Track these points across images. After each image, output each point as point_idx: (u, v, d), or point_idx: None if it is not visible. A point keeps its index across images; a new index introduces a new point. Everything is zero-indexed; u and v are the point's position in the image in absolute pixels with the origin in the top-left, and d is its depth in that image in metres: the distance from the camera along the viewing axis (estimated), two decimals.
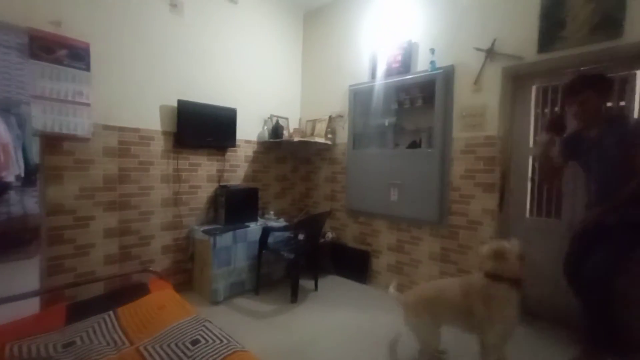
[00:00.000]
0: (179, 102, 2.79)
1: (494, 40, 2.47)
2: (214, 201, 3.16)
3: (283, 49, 3.82)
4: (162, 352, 1.20)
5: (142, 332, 1.34)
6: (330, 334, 2.31)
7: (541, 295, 2.46)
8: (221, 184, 3.19)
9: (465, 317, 1.64)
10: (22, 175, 3.98)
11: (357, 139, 3.44)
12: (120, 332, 1.34)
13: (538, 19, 2.30)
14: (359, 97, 3.35)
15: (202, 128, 2.94)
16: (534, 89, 2.52)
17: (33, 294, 1.90)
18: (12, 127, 3.89)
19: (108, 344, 1.26)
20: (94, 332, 1.35)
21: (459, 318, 1.68)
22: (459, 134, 2.70)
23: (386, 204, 3.08)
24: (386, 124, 3.19)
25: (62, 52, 2.25)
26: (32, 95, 2.17)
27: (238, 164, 3.41)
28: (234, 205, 3.05)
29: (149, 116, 2.72)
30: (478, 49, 2.54)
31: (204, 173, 3.11)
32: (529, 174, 2.56)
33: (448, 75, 2.72)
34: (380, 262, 3.25)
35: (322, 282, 3.20)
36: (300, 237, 2.87)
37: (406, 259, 3.06)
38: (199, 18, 2.99)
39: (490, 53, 2.50)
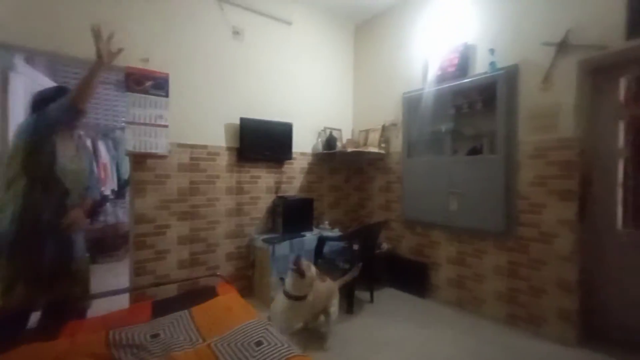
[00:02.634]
0: (241, 119, 3.05)
1: (567, 31, 2.25)
2: (272, 211, 3.34)
3: (335, 62, 3.94)
4: (230, 351, 1.31)
5: (213, 330, 1.48)
6: (387, 347, 2.25)
7: (628, 319, 2.11)
8: (278, 194, 3.37)
9: None
10: (116, 189, 4.69)
11: (412, 147, 3.36)
12: (194, 329, 1.50)
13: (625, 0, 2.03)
14: (413, 104, 3.29)
15: (261, 143, 3.15)
16: (622, 81, 2.21)
17: (126, 290, 2.21)
18: (110, 149, 4.63)
19: (185, 338, 1.41)
20: (174, 327, 1.53)
21: None
22: (527, 138, 2.49)
23: (445, 214, 2.94)
24: (443, 130, 3.06)
25: (149, 84, 2.62)
26: (126, 122, 2.56)
27: (294, 176, 3.57)
28: (291, 215, 3.18)
29: (215, 134, 3.01)
30: (547, 44, 2.33)
31: (263, 185, 3.31)
32: (620, 180, 2.23)
33: (511, 76, 2.54)
34: (440, 276, 3.08)
35: (378, 294, 3.14)
36: (355, 247, 2.87)
37: (468, 272, 2.86)
38: (258, 41, 3.25)
39: (563, 46, 2.27)
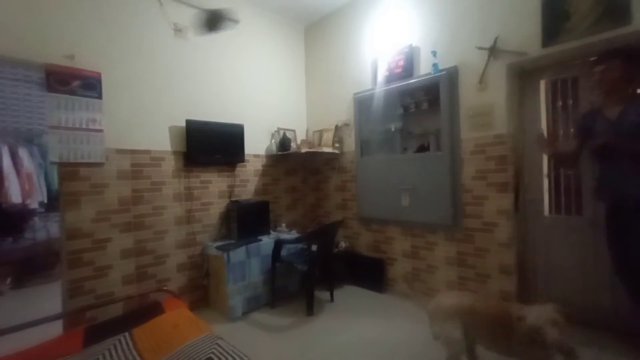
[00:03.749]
0: (187, 121, 2.87)
1: (496, 37, 2.44)
2: (226, 217, 3.20)
3: (286, 63, 3.89)
4: None
5: (157, 352, 1.36)
6: (349, 345, 2.26)
7: (563, 296, 2.35)
8: (232, 199, 3.24)
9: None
10: (45, 201, 4.18)
11: (364, 146, 3.43)
12: (135, 353, 1.36)
13: (540, 13, 2.26)
14: (364, 105, 3.36)
15: (210, 146, 3.00)
16: (542, 83, 2.47)
17: (55, 317, 1.95)
18: (35, 157, 4.12)
19: None
20: (110, 354, 1.38)
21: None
22: (468, 135, 2.65)
23: (398, 210, 3.04)
24: (393, 129, 3.17)
25: (76, 83, 2.36)
26: (50, 126, 2.27)
27: (248, 179, 3.45)
28: (246, 220, 3.07)
29: (159, 137, 2.80)
30: (480, 48, 2.51)
31: (215, 189, 3.16)
32: (545, 171, 2.49)
33: (452, 77, 2.69)
34: (396, 270, 3.19)
35: (338, 292, 3.16)
36: (313, 248, 2.86)
37: (422, 265, 2.99)
38: (202, 39, 3.08)
39: (493, 51, 2.46)
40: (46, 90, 2.28)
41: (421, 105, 2.97)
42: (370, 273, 3.30)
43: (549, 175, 2.48)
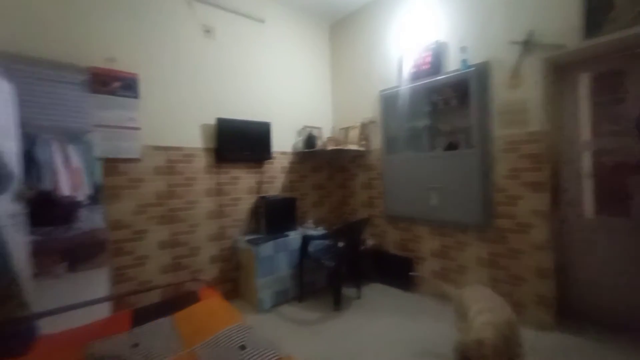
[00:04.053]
0: (218, 120, 2.98)
1: (531, 31, 2.34)
2: (254, 212, 3.29)
3: (312, 60, 3.93)
4: (213, 356, 1.28)
5: (195, 336, 1.44)
6: (376, 342, 2.27)
7: (605, 302, 2.23)
8: (260, 195, 3.33)
9: None
10: (91, 194, 4.49)
11: (391, 144, 3.40)
12: (176, 337, 1.45)
13: (580, 3, 2.14)
14: (390, 102, 3.33)
15: (239, 143, 3.10)
16: (582, 77, 2.34)
17: (105, 299, 2.12)
18: (81, 153, 4.41)
19: (166, 347, 1.37)
20: (155, 335, 1.48)
21: None
22: (500, 132, 2.57)
23: (426, 209, 3.00)
24: (420, 126, 3.13)
25: (116, 84, 2.52)
26: (94, 125, 2.45)
27: (275, 175, 3.53)
28: (274, 215, 3.15)
29: (191, 135, 2.93)
30: (513, 42, 2.42)
31: (244, 185, 3.26)
32: (587, 170, 2.35)
33: (482, 73, 2.61)
34: (425, 269, 3.14)
35: (365, 289, 3.17)
36: (340, 244, 2.88)
37: (452, 265, 2.93)
38: (230, 39, 3.19)
39: (528, 45, 2.36)
40: (90, 91, 2.46)
41: (450, 102, 2.91)
42: (397, 271, 3.28)
43: (593, 175, 2.34)
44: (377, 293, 3.17)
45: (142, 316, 1.68)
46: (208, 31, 3.04)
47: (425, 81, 2.99)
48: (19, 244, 2.67)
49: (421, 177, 3.03)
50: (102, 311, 2.25)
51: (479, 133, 2.63)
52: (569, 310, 2.38)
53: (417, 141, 3.21)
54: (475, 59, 2.65)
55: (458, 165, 2.77)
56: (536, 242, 2.39)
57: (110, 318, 1.83)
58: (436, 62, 2.93)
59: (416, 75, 3.09)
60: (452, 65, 2.84)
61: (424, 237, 3.14)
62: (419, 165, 3.06)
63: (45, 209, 3.74)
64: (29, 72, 4.63)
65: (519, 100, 2.45)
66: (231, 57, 3.20)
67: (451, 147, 2.92)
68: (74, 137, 4.32)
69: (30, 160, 3.64)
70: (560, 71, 2.39)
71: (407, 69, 3.16)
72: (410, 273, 3.17)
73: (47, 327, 1.64)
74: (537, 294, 2.40)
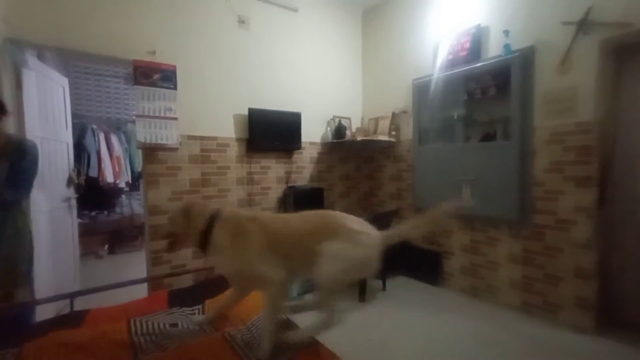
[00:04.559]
0: (250, 110, 3.04)
1: (589, 8, 2.13)
2: (283, 201, 3.35)
3: (343, 49, 3.87)
4: (243, 341, 1.33)
5: (225, 322, 1.51)
6: (400, 335, 2.27)
7: None
8: (289, 184, 3.37)
9: None
10: (130, 181, 4.79)
11: (423, 135, 3.30)
12: (208, 319, 1.53)
13: None
14: (424, 91, 3.21)
15: (270, 133, 3.14)
16: None
17: (143, 280, 2.28)
18: (122, 142, 4.70)
19: (200, 329, 1.45)
20: (189, 316, 1.57)
21: None
22: (542, 123, 2.41)
23: (457, 202, 2.89)
24: (455, 116, 3.00)
25: (157, 76, 2.63)
26: (137, 115, 2.58)
27: (304, 165, 3.56)
28: (301, 205, 3.18)
29: (224, 125, 3.01)
30: (566, 23, 2.22)
31: (273, 175, 3.32)
32: None
33: (526, 58, 2.44)
34: (453, 264, 3.06)
35: (390, 282, 3.15)
36: None
37: (482, 260, 2.83)
38: (264, 30, 3.20)
39: (583, 25, 2.15)
40: (133, 83, 2.59)
41: (487, 91, 2.76)
42: (425, 265, 3.22)
43: None
44: (403, 286, 3.14)
45: (178, 298, 1.78)
46: (243, 22, 3.08)
47: (462, 69, 2.84)
48: (70, 226, 2.93)
49: (453, 169, 2.92)
50: (141, 291, 2.42)
51: (518, 123, 2.48)
52: (612, 314, 2.22)
53: (450, 132, 3.08)
54: (519, 43, 2.48)
55: (494, 158, 2.64)
56: (577, 240, 2.24)
57: (148, 297, 1.96)
58: (475, 48, 2.78)
59: (452, 63, 2.95)
60: (493, 51, 2.68)
61: (454, 231, 3.05)
62: (452, 156, 2.95)
63: (91, 195, 4.07)
64: (80, 66, 4.98)
65: (568, 88, 2.27)
66: (264, 47, 3.23)
67: (487, 138, 2.78)
68: (117, 127, 4.62)
69: (80, 149, 3.95)
70: (622, 54, 2.14)
71: (443, 56, 3.03)
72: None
73: (93, 303, 1.79)
74: (576, 295, 2.26)
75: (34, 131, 2.29)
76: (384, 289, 3.03)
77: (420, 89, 3.25)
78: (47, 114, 2.58)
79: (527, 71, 2.45)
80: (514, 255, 2.61)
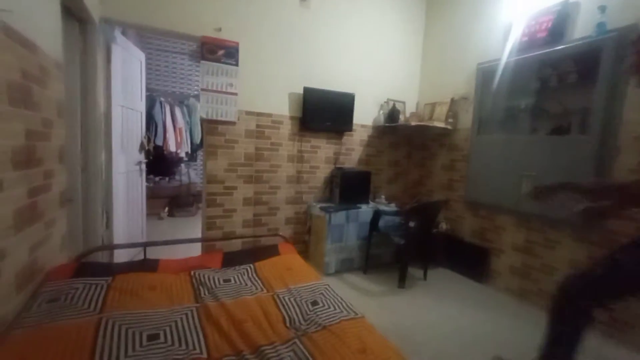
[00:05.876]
0: (305, 89, 3.08)
1: None
2: (330, 181, 3.41)
3: (404, 30, 3.70)
4: (290, 303, 1.43)
5: (274, 284, 1.62)
6: (439, 325, 2.24)
7: None
8: (337, 165, 3.41)
9: None
10: (189, 152, 5.18)
11: (483, 124, 3.08)
12: (259, 280, 1.66)
13: None
14: (489, 77, 2.97)
15: (323, 113, 3.17)
16: None
17: (200, 240, 2.54)
18: (184, 115, 5.05)
19: (251, 287, 1.58)
20: (241, 276, 1.71)
21: None
22: (634, 116, 2.11)
23: (515, 198, 2.71)
24: (522, 106, 2.75)
25: (221, 52, 2.77)
26: (202, 89, 2.75)
27: (353, 148, 3.56)
28: (348, 187, 3.21)
29: (279, 102, 3.10)
30: None
31: (322, 155, 3.37)
32: None
33: (624, 38, 2.11)
34: (502, 262, 2.90)
35: (431, 273, 3.09)
36: (411, 224, 2.83)
37: (536, 262, 2.64)
38: (324, 9, 3.18)
39: None
40: (199, 58, 2.75)
41: (566, 78, 2.47)
42: (470, 260, 3.10)
43: None
44: (444, 278, 3.07)
45: (231, 259, 1.95)
46: (304, 0, 3.08)
47: (537, 52, 2.58)
48: (140, 187, 3.28)
49: (515, 163, 2.71)
50: (195, 251, 2.67)
51: (601, 116, 2.21)
52: None
53: (514, 122, 2.85)
54: (617, 21, 2.16)
55: (564, 153, 2.40)
56: None
57: (205, 255, 2.16)
58: (558, 28, 2.48)
59: (527, 45, 2.68)
60: (580, 31, 2.38)
61: (507, 228, 2.87)
62: (515, 149, 2.74)
63: (156, 161, 4.48)
64: (153, 43, 5.37)
65: None
66: (323, 26, 3.21)
67: (558, 131, 2.52)
68: (180, 101, 4.98)
69: (149, 119, 4.34)
70: None
71: (516, 38, 2.76)
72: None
73: (157, 254, 2.02)
74: None
75: (118, 100, 2.57)
76: (424, 278, 2.99)
77: (485, 74, 3.02)
78: (128, 85, 2.86)
79: (622, 55, 2.13)
80: (575, 260, 2.39)
